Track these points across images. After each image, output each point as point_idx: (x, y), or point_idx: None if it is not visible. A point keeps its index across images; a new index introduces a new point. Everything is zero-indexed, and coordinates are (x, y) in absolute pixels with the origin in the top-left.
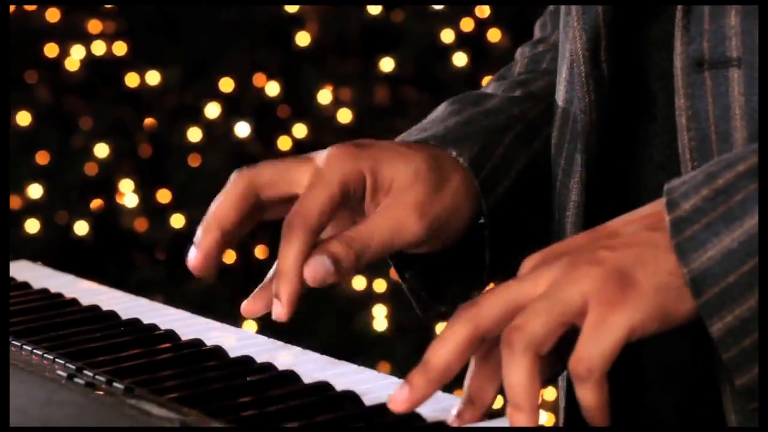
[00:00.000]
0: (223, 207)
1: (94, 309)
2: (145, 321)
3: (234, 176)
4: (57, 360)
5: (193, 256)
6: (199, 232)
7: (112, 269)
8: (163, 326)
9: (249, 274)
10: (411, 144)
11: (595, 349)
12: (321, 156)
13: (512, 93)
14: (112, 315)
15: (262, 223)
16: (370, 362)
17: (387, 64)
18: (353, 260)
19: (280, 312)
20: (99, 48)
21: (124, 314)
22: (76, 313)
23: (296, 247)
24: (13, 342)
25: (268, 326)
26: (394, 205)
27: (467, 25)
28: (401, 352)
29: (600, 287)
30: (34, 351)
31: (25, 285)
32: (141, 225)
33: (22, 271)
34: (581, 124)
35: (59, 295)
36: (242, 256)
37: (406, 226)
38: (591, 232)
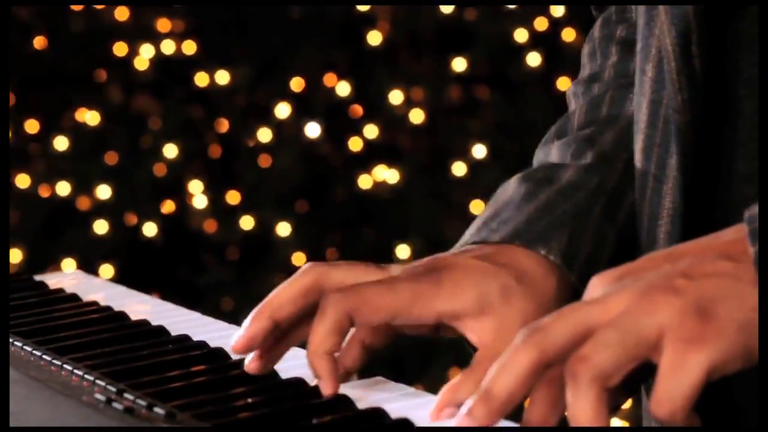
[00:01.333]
0: (281, 297)
1: (144, 324)
2: (196, 337)
3: (305, 269)
4: (97, 381)
5: (237, 337)
6: (251, 315)
7: (181, 271)
8: (213, 343)
9: None
10: (491, 254)
11: (675, 390)
12: (397, 274)
13: (583, 159)
14: (161, 331)
15: (332, 227)
16: (440, 373)
17: (460, 64)
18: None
19: (327, 389)
20: (168, 47)
21: (174, 329)
22: (124, 329)
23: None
24: (53, 361)
25: None
26: (491, 328)
27: (541, 24)
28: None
29: (678, 321)
30: (75, 371)
31: (74, 297)
32: (210, 226)
33: (73, 281)
34: (675, 125)
35: (108, 309)
36: (313, 257)
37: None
38: (666, 255)
